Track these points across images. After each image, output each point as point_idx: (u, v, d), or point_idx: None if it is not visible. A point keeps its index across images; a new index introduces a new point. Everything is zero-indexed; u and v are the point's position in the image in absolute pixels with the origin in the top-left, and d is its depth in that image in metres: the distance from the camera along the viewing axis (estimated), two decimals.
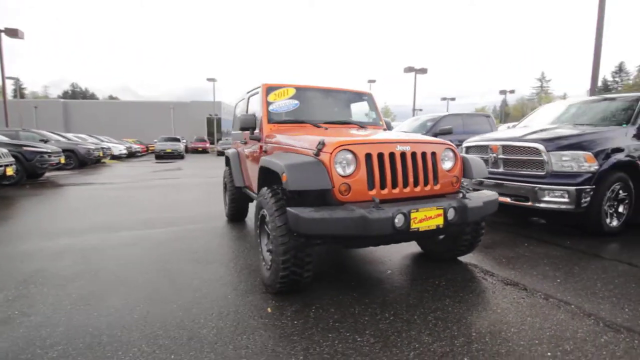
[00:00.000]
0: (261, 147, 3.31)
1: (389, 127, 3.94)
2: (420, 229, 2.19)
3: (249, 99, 4.09)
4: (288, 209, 2.10)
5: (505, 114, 44.22)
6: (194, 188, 8.21)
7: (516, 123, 6.52)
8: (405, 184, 2.37)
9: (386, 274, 2.87)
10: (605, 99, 4.93)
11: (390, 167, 2.32)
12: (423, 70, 22.84)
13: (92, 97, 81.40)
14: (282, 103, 3.47)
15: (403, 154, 2.37)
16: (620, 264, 3.02)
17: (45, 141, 11.05)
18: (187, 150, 28.49)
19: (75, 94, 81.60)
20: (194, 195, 7.16)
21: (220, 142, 28.87)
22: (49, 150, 9.30)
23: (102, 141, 17.84)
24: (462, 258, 3.16)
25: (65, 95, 78.06)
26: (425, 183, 2.44)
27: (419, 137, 2.78)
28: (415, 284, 2.67)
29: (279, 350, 1.81)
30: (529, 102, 67.51)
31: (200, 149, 29.65)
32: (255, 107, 3.83)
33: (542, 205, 3.80)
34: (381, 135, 2.80)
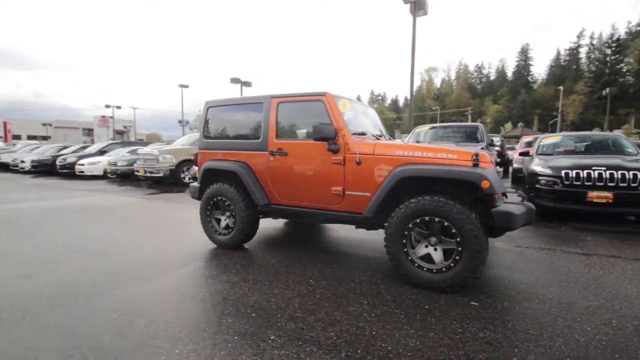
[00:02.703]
0: (345, 158, 3.21)
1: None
2: None
3: (278, 105, 3.65)
4: (496, 209, 2.51)
5: None
6: (68, 223, 5.51)
7: (404, 139, 8.62)
8: None
9: None
10: (459, 126, 7.60)
11: None
12: (248, 84, 23.76)
13: None
14: (349, 114, 3.46)
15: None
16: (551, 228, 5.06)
17: None
18: None
19: None
20: (99, 230, 4.93)
21: None
22: None
23: None
24: None
25: None
26: None
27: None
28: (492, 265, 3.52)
29: (544, 321, 2.23)
30: None
31: None
32: (300, 116, 3.58)
33: None
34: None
